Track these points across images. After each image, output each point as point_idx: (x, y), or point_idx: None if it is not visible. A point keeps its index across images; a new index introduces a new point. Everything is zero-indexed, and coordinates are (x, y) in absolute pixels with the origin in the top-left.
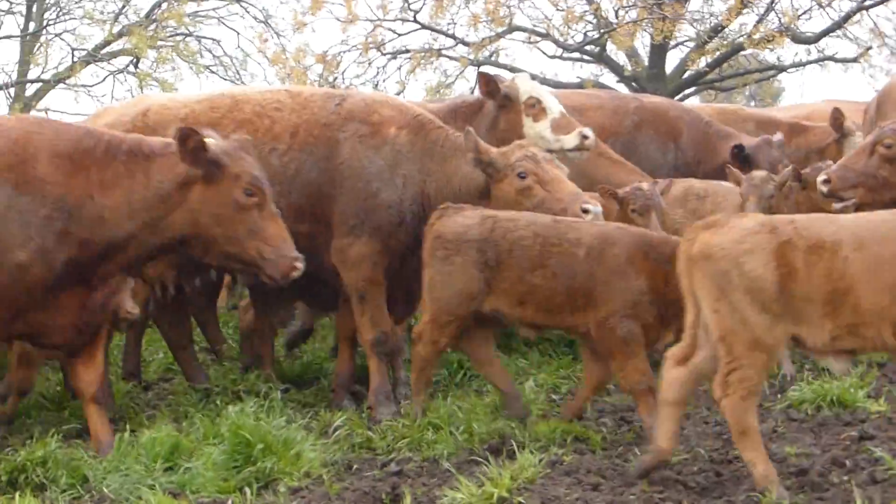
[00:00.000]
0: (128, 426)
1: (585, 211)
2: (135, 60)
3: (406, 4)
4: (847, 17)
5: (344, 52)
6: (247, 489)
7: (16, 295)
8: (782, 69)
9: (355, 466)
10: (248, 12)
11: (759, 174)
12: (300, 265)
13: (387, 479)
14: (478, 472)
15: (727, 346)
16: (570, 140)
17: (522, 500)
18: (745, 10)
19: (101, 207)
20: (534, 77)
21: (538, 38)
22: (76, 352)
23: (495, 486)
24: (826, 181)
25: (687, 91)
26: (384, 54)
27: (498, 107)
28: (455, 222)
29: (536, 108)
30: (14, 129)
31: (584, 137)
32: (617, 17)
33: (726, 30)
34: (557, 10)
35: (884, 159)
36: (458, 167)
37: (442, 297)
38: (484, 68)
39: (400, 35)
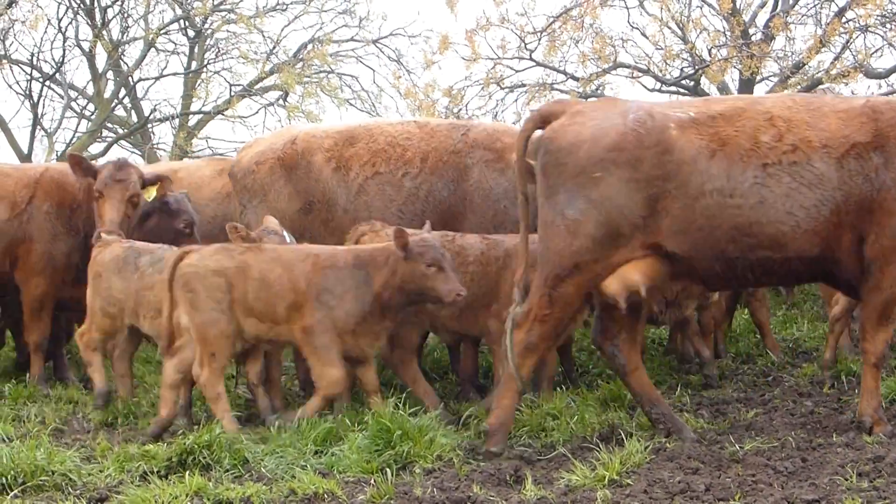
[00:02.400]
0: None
1: None
2: (284, 95)
3: (523, 44)
4: None
5: (467, 86)
6: (387, 470)
7: None
8: None
9: (482, 451)
10: (382, 52)
11: None
12: None
13: (510, 462)
14: (590, 457)
15: None
16: None
17: (630, 482)
18: (823, 49)
19: None
20: None
21: (640, 74)
22: None
23: (606, 470)
24: None
25: None
26: (503, 88)
27: None
28: None
29: None
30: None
31: None
32: (710, 55)
33: (806, 66)
34: (657, 49)
35: None
36: None
37: None
38: (591, 100)
39: (517, 71)
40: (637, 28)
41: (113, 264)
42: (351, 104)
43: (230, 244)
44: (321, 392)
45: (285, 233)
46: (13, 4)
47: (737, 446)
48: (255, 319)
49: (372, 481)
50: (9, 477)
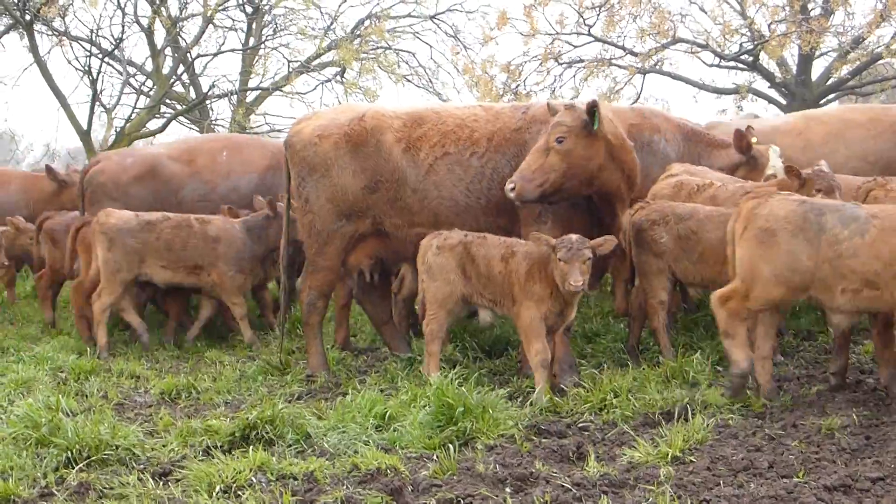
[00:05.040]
0: (347, 390)
1: None
2: (341, 71)
3: (581, 20)
4: None
5: (525, 62)
6: (449, 446)
7: None
8: None
9: (543, 427)
10: (439, 28)
11: None
12: None
13: (572, 439)
14: (653, 433)
15: None
16: None
17: (693, 459)
18: (883, 24)
19: None
20: (693, 84)
21: (699, 49)
22: None
23: (669, 447)
24: None
25: (829, 96)
26: (561, 64)
27: (745, 161)
28: None
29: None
30: None
31: None
32: (769, 30)
33: (866, 41)
34: (716, 24)
35: None
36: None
37: None
38: (650, 75)
39: (575, 47)
40: (695, 3)
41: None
42: (408, 80)
43: None
44: None
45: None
46: None
47: (800, 423)
48: None
49: (434, 457)
50: (74, 451)
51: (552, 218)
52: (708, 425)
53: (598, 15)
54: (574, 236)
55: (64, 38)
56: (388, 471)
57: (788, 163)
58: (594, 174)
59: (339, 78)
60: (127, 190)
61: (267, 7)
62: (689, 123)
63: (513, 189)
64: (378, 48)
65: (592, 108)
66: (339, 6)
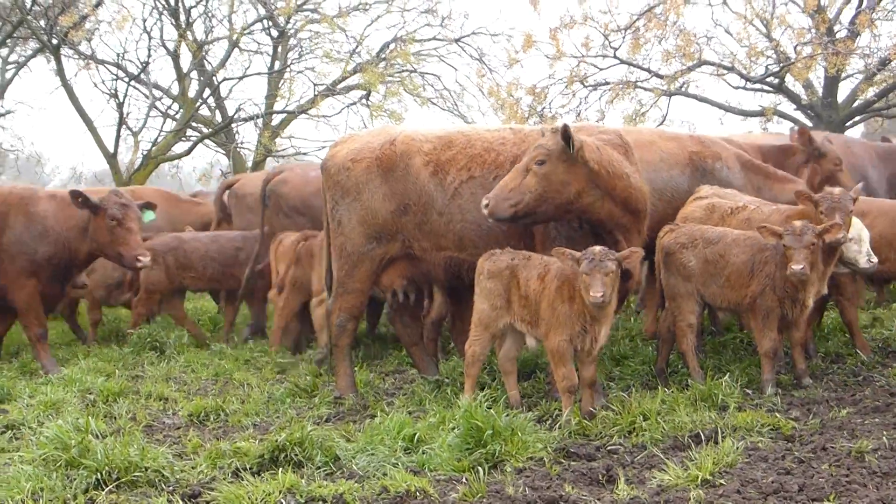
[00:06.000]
0: (376, 412)
1: None
2: (367, 94)
3: (607, 42)
4: None
5: (551, 84)
6: (478, 468)
7: None
8: None
9: (573, 450)
10: (464, 51)
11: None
12: None
13: (601, 462)
14: (683, 456)
15: None
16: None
17: (723, 483)
18: None
19: None
20: (719, 106)
21: (724, 71)
22: None
23: (699, 469)
24: None
25: (856, 118)
26: (586, 86)
27: None
28: None
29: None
30: None
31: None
32: (795, 53)
33: (892, 63)
34: (741, 46)
35: None
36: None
37: None
38: (675, 98)
39: (601, 69)
40: (721, 25)
41: None
42: (433, 103)
43: None
44: None
45: None
46: (100, 5)
47: (829, 446)
48: None
49: (464, 479)
50: (103, 472)
51: (565, 243)
52: (738, 448)
53: (624, 38)
54: (598, 248)
55: (91, 61)
56: (418, 493)
57: None
58: (571, 200)
59: (364, 101)
60: (310, 202)
61: (292, 31)
62: (745, 154)
63: (486, 206)
64: (403, 71)
65: (566, 133)
66: (365, 29)
